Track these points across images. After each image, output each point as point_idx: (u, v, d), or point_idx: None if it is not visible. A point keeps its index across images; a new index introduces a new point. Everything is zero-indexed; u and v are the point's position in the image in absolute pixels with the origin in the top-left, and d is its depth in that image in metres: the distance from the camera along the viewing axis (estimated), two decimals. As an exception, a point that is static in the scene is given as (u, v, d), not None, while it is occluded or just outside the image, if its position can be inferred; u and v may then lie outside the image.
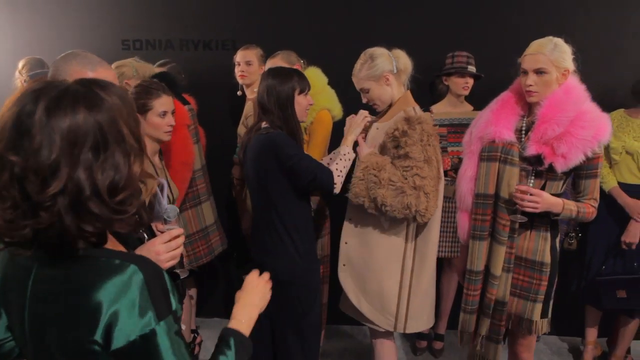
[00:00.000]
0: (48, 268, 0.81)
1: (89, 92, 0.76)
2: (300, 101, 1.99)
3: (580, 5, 2.80)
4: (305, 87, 2.01)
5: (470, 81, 2.71)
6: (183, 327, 1.18)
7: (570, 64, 1.81)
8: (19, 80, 2.71)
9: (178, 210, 1.44)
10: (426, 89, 2.88)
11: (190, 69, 2.96)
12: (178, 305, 0.85)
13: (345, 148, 2.06)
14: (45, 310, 0.80)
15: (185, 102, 2.45)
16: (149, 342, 0.78)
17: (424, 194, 1.91)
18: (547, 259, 1.93)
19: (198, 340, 2.91)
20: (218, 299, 3.32)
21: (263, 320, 2.14)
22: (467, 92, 2.72)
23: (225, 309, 3.24)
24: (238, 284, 1.27)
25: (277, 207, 1.97)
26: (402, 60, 2.07)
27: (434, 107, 2.81)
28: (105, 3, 3.03)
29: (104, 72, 1.40)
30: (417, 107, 2.05)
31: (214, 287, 3.32)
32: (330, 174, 1.94)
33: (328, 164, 2.09)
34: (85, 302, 0.77)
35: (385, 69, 2.02)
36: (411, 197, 1.90)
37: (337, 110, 2.49)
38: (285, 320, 2.08)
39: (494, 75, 2.23)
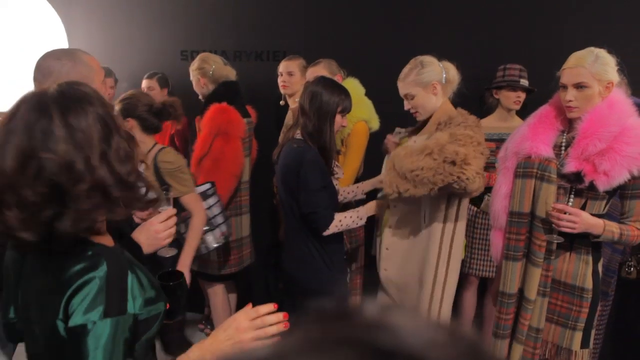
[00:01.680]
0: (37, 252, 0.89)
1: (81, 92, 0.84)
2: (337, 119, 2.00)
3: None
4: (347, 108, 2.01)
5: (523, 95, 2.60)
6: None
7: (614, 76, 1.69)
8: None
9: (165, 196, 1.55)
10: (475, 103, 2.81)
11: (243, 79, 3.09)
12: (141, 311, 0.88)
13: (364, 212, 2.03)
14: (29, 290, 0.87)
15: (245, 115, 2.55)
16: (86, 332, 0.81)
17: (463, 163, 1.76)
18: (589, 284, 1.79)
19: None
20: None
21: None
22: (518, 107, 2.61)
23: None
24: (275, 293, 1.27)
25: (302, 216, 2.00)
26: (451, 72, 2.03)
27: (482, 121, 2.71)
28: (166, 16, 3.24)
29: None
30: (457, 114, 2.01)
31: (258, 295, 3.38)
32: (330, 220, 1.93)
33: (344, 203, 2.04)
34: (55, 283, 0.83)
35: (435, 78, 1.99)
36: (448, 146, 1.77)
37: (374, 122, 2.48)
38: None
39: (547, 89, 2.14)
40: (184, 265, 2.05)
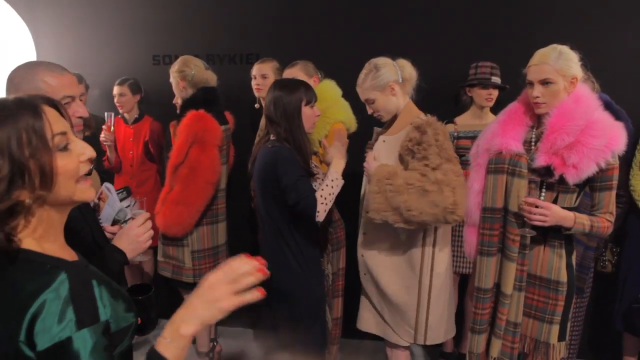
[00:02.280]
0: None
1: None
2: (307, 112, 1.98)
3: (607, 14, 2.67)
4: (312, 98, 2.01)
5: (495, 92, 2.62)
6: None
7: (578, 71, 1.72)
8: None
9: (127, 213, 1.62)
10: (450, 100, 2.83)
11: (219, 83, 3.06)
12: (111, 320, 0.85)
13: (334, 173, 1.98)
14: None
15: (223, 122, 2.51)
16: (65, 348, 0.77)
17: (448, 188, 1.81)
18: (563, 277, 1.81)
19: (217, 349, 2.94)
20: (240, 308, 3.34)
21: (268, 332, 2.15)
22: (490, 104, 2.64)
23: (247, 318, 3.26)
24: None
25: (278, 219, 1.98)
26: (407, 70, 2.04)
27: (457, 119, 2.75)
28: (137, 21, 3.20)
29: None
30: (422, 115, 2.01)
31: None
32: (315, 201, 1.88)
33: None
34: (13, 301, 0.79)
35: (391, 79, 2.00)
36: (434, 194, 1.81)
37: (352, 122, 2.48)
38: (291, 332, 2.07)
39: (520, 86, 2.16)
40: None
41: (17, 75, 1.31)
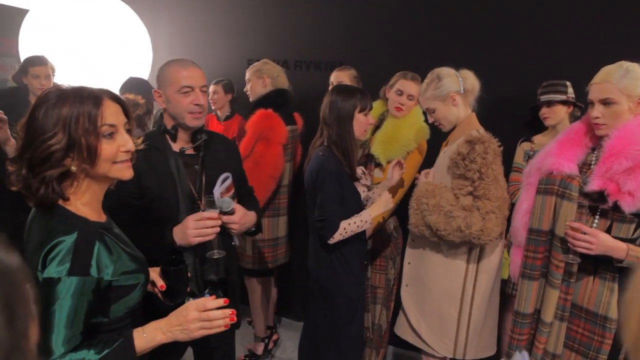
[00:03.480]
0: (38, 214, 1.10)
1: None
2: (360, 119, 2.06)
3: None
4: (366, 105, 2.08)
5: (547, 110, 2.45)
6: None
7: (647, 92, 1.58)
8: None
9: (232, 205, 1.63)
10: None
11: (301, 87, 3.25)
12: (114, 277, 1.06)
13: (367, 216, 2.03)
14: (29, 244, 1.08)
15: (290, 122, 2.71)
16: (52, 285, 0.98)
17: (479, 215, 1.83)
18: (613, 313, 1.67)
19: (274, 337, 3.11)
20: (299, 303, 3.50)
21: (310, 326, 2.25)
22: (550, 122, 2.47)
23: (302, 314, 3.39)
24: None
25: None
26: (470, 81, 2.03)
27: (535, 138, 2.62)
28: (232, 27, 3.52)
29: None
30: (482, 130, 1.99)
31: (298, 291, 3.50)
32: (335, 229, 1.96)
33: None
34: (42, 238, 1.02)
35: (452, 89, 2.00)
36: (459, 219, 1.86)
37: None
38: (325, 329, 2.15)
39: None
40: None
41: (160, 69, 1.69)
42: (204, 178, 1.70)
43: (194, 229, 1.53)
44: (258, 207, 1.93)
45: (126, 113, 1.13)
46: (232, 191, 1.69)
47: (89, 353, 1.02)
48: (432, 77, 2.07)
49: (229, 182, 1.67)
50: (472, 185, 1.89)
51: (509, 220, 2.60)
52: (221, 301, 1.15)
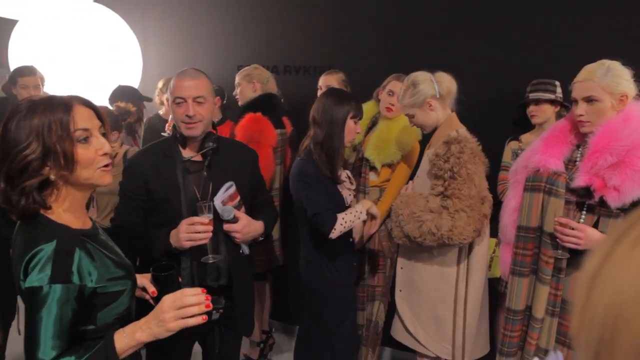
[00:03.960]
0: (22, 225, 1.11)
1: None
2: (350, 125, 2.07)
3: None
4: (358, 114, 2.09)
5: (536, 109, 2.47)
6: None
7: (629, 89, 1.61)
8: (158, 96, 3.34)
9: (232, 213, 1.69)
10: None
11: (292, 92, 3.27)
12: (99, 284, 1.07)
13: (362, 207, 2.04)
14: (14, 254, 1.08)
15: (279, 126, 2.72)
16: (35, 294, 0.99)
17: (447, 214, 1.85)
18: (602, 307, 1.69)
19: (270, 342, 3.11)
20: (294, 306, 3.50)
21: (304, 329, 2.26)
22: (536, 120, 2.49)
23: (297, 317, 3.40)
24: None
25: (306, 224, 2.09)
26: (445, 84, 2.04)
27: (523, 137, 2.64)
28: (222, 34, 3.54)
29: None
30: (463, 129, 2.01)
31: (293, 294, 3.50)
32: (334, 220, 1.96)
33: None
34: (23, 248, 1.03)
35: (428, 95, 2.02)
36: (428, 223, 1.89)
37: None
38: (318, 332, 2.16)
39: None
40: None
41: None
42: (210, 184, 1.74)
43: (186, 232, 1.59)
44: (272, 217, 1.97)
45: (99, 117, 1.13)
46: (237, 199, 1.73)
47: (71, 358, 1.02)
48: (408, 83, 2.09)
49: (232, 190, 1.71)
50: (442, 185, 1.90)
51: (498, 220, 2.64)
52: (198, 289, 1.11)
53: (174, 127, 1.80)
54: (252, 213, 1.85)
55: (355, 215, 2.01)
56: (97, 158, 1.09)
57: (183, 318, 1.08)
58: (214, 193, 1.72)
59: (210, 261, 1.66)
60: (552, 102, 2.47)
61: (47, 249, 1.02)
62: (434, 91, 2.02)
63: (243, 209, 1.77)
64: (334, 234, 1.97)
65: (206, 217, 1.60)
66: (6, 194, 1.04)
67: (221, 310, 1.65)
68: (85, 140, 1.08)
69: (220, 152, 1.79)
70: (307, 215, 2.02)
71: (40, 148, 1.02)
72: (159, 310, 1.09)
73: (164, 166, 1.73)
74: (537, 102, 2.47)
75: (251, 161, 1.93)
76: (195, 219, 1.60)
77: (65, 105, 1.06)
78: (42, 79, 2.94)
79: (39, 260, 1.01)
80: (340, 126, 2.04)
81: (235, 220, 1.70)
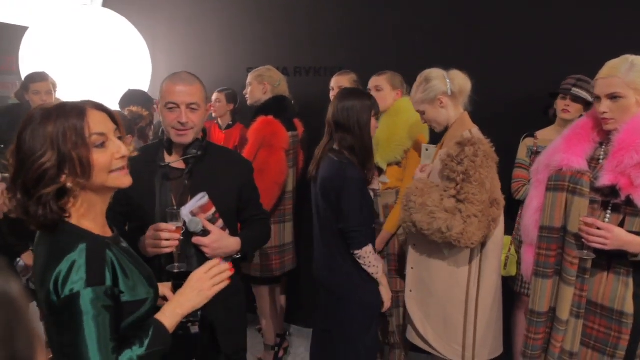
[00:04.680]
0: (43, 236, 1.09)
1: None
2: (373, 123, 2.05)
3: None
4: (378, 110, 2.09)
5: (574, 106, 2.40)
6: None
7: (654, 84, 1.58)
8: None
9: (200, 226, 1.57)
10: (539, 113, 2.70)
11: (302, 93, 3.25)
12: (124, 290, 1.06)
13: (380, 271, 2.08)
14: (36, 262, 1.06)
15: (291, 128, 2.70)
16: (73, 302, 0.97)
17: (460, 218, 1.83)
18: (629, 308, 1.65)
19: (285, 345, 3.09)
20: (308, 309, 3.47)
21: (322, 334, 2.23)
22: (567, 116, 2.43)
23: (312, 320, 3.37)
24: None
25: (336, 228, 2.04)
26: (458, 82, 2.01)
27: (539, 133, 2.60)
28: (231, 37, 3.53)
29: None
30: (475, 129, 1.98)
31: (307, 297, 3.48)
32: (365, 243, 1.99)
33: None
34: (49, 259, 1.01)
35: (439, 92, 2.00)
36: (440, 221, 1.85)
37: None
38: (342, 337, 2.12)
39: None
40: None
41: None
42: (189, 193, 1.64)
43: (152, 239, 1.51)
44: (257, 235, 1.84)
45: (114, 120, 1.12)
46: (211, 211, 1.62)
47: (133, 350, 1.05)
48: (421, 79, 2.07)
49: (203, 201, 1.59)
50: (455, 189, 1.87)
51: (513, 218, 2.61)
52: (217, 261, 1.27)
53: (162, 131, 1.72)
54: (237, 229, 1.78)
55: (373, 265, 2.04)
56: (113, 162, 1.08)
57: (217, 284, 1.23)
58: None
59: (175, 270, 1.52)
60: (588, 104, 2.39)
61: (77, 254, 1.00)
62: (445, 88, 2.00)
63: (220, 222, 1.65)
64: (358, 253, 2.00)
65: (173, 225, 1.51)
66: (24, 204, 1.03)
67: (197, 323, 1.53)
68: (102, 145, 1.07)
69: (206, 160, 1.69)
70: (343, 226, 1.99)
71: (56, 156, 1.01)
72: (195, 282, 1.22)
73: (145, 171, 1.62)
74: (576, 99, 2.41)
75: (243, 174, 1.81)
76: (162, 225, 1.52)
77: (78, 110, 1.04)
78: (54, 85, 2.94)
79: (70, 268, 0.99)
80: (368, 126, 2.02)
81: (205, 233, 1.60)
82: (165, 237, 1.49)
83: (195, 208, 1.58)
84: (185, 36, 3.73)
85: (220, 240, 1.63)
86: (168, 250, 1.51)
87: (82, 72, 3.25)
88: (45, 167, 1.00)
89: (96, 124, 1.06)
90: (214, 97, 3.40)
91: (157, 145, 1.73)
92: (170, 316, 1.16)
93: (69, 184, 1.03)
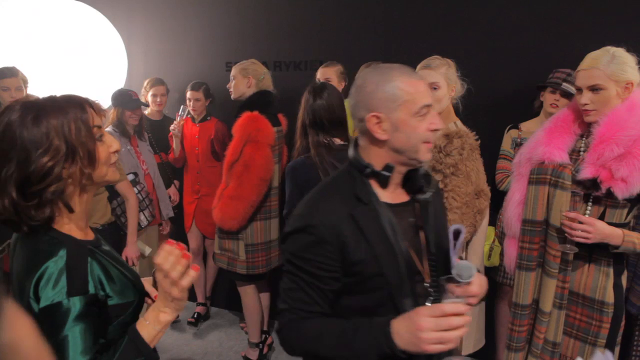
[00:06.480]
0: (21, 236, 1.04)
1: None
2: None
3: None
4: None
5: (563, 101, 2.46)
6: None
7: (634, 76, 1.59)
8: (143, 95, 3.26)
9: (474, 271, 1.06)
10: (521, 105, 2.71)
11: (282, 88, 3.20)
12: (111, 295, 1.01)
13: None
14: (15, 268, 1.01)
15: (276, 124, 2.66)
16: (54, 312, 0.93)
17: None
18: (609, 298, 1.68)
19: (269, 341, 3.07)
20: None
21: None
22: (555, 111, 2.47)
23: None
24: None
25: None
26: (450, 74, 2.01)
27: (523, 125, 2.62)
28: (212, 32, 3.46)
29: None
30: (459, 122, 1.97)
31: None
32: None
33: None
34: (28, 264, 0.96)
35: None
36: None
37: None
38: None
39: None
40: (131, 241, 2.52)
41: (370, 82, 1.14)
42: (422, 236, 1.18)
43: (433, 330, 0.97)
44: None
45: (97, 113, 1.09)
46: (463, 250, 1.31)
47: None
48: (443, 62, 2.07)
49: (462, 236, 1.16)
50: (442, 182, 1.87)
51: (497, 209, 2.62)
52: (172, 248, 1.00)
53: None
54: None
55: None
56: (110, 155, 1.07)
57: (179, 282, 0.99)
58: (432, 247, 1.16)
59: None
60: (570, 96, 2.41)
61: (58, 261, 0.96)
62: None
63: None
64: None
65: (459, 301, 1.02)
66: (17, 206, 0.96)
67: None
68: (100, 138, 1.05)
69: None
70: None
71: (64, 148, 0.97)
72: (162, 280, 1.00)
73: (364, 220, 1.11)
74: (566, 94, 2.41)
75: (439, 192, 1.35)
76: (447, 307, 0.99)
77: (78, 102, 1.02)
78: (25, 81, 2.83)
79: (51, 275, 0.94)
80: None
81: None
82: (457, 324, 0.98)
83: (459, 249, 1.16)
84: (161, 31, 3.63)
85: (483, 282, 1.15)
86: (457, 344, 1.01)
87: (55, 67, 3.14)
88: (55, 161, 0.96)
89: (94, 116, 1.04)
90: (191, 95, 3.30)
91: (360, 177, 1.17)
92: (152, 323, 1.01)
93: (69, 180, 0.99)
